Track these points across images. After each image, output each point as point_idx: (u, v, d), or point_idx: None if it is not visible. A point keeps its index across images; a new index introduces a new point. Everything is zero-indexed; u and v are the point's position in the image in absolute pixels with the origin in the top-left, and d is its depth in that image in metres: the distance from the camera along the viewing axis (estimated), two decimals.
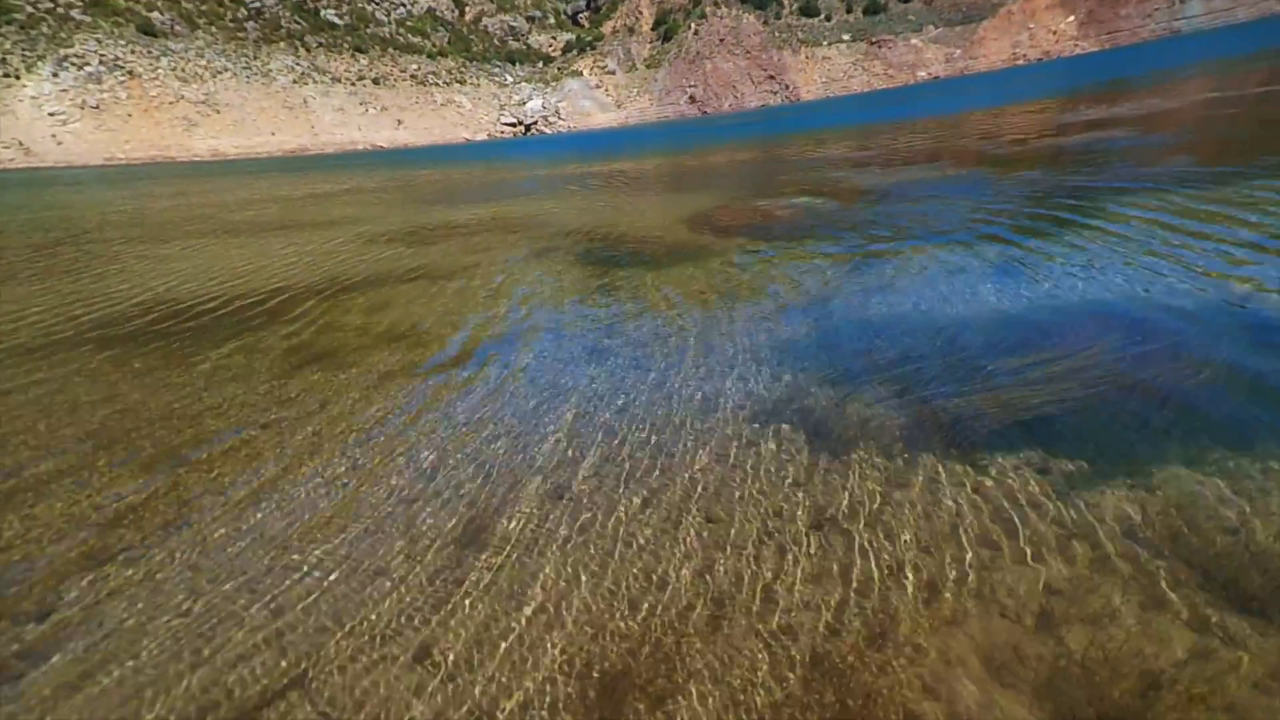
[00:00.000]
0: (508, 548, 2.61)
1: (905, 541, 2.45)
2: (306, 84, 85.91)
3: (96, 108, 67.07)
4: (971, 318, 4.50)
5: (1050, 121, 18.29)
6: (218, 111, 76.78)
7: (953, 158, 13.54)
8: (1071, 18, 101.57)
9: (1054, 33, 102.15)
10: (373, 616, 2.29)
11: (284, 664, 2.12)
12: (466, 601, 2.33)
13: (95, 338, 5.85)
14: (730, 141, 30.64)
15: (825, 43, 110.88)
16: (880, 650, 2.01)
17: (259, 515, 2.94)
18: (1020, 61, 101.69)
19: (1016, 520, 2.51)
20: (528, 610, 2.27)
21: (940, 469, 2.86)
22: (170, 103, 73.73)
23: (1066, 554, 2.32)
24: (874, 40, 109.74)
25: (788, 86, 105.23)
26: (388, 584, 2.45)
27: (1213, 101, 16.19)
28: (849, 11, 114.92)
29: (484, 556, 2.56)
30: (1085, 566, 2.26)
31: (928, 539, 2.46)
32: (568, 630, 2.17)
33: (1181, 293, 4.43)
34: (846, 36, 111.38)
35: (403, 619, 2.27)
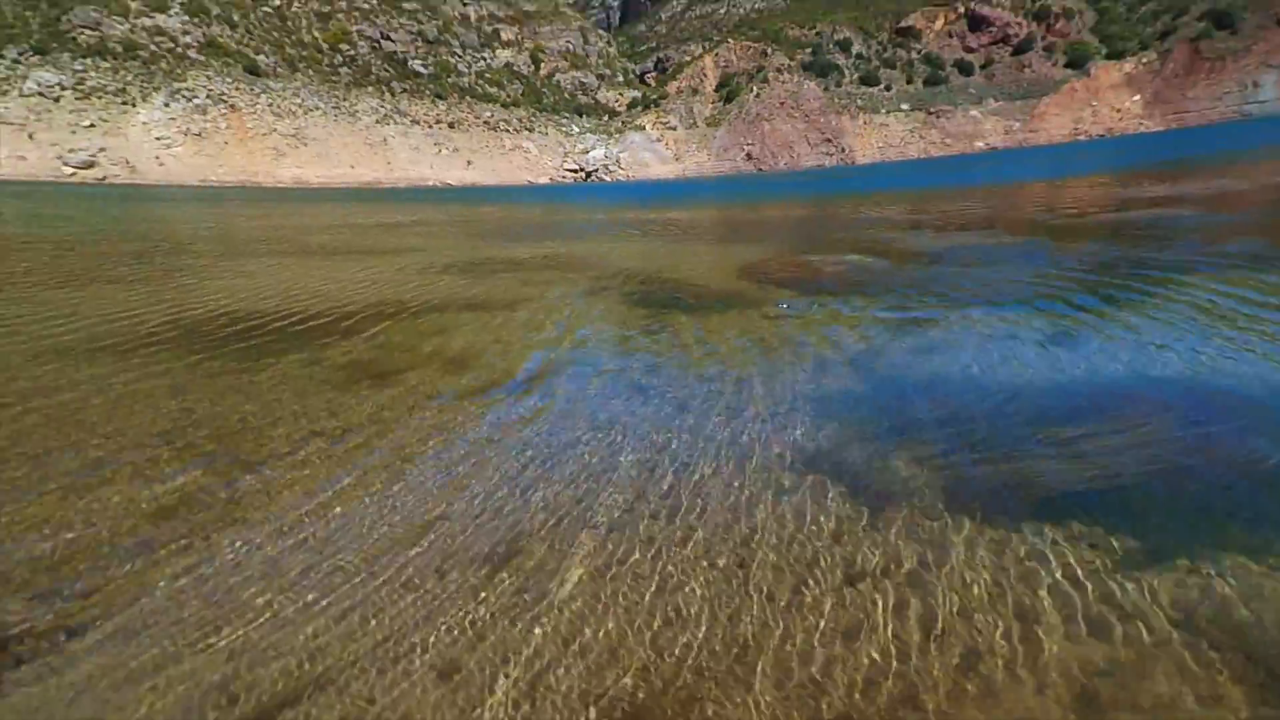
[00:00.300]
0: (539, 574, 2.64)
1: (942, 606, 2.38)
2: (388, 124, 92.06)
3: (199, 135, 73.22)
4: (1021, 385, 4.40)
5: (1110, 196, 17.93)
6: (305, 145, 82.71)
7: (1008, 225, 13.38)
8: (1137, 96, 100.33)
9: (1118, 110, 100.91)
10: (401, 629, 2.35)
11: (310, 667, 2.18)
12: (494, 622, 2.37)
13: (174, 339, 6.28)
14: (784, 198, 31.07)
15: (884, 110, 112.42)
16: (910, 717, 1.94)
17: (303, 519, 3.07)
18: (1081, 137, 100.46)
19: (1063, 595, 2.41)
20: (554, 638, 2.29)
21: (982, 534, 2.78)
22: (264, 134, 79.92)
23: (1117, 635, 2.21)
24: (932, 110, 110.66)
25: (844, 150, 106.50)
26: (419, 598, 2.51)
27: None
28: (909, 82, 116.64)
29: (515, 580, 2.61)
30: (1137, 651, 2.14)
31: (966, 605, 2.37)
32: (590, 662, 2.18)
33: (1247, 377, 4.23)
34: (905, 106, 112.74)
35: (430, 634, 2.32)
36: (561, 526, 2.97)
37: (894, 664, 2.13)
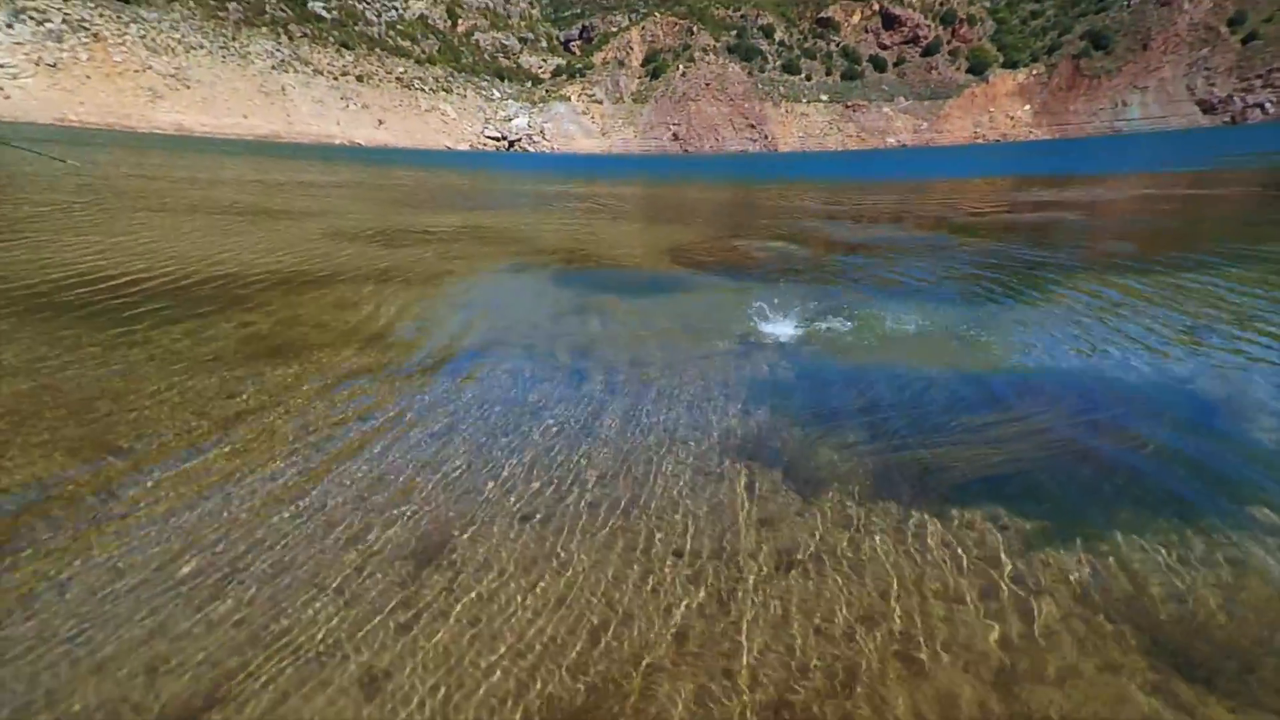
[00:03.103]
0: (466, 569, 2.49)
1: (872, 589, 2.46)
2: (287, 72, 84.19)
3: (54, 66, 63.88)
4: (934, 374, 4.65)
5: (1006, 198, 19.45)
6: (187, 87, 74.24)
7: (916, 220, 14.19)
8: (1028, 106, 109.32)
9: (1011, 118, 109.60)
10: (314, 634, 2.13)
11: (209, 680, 1.94)
12: (419, 623, 2.20)
13: (31, 306, 5.43)
14: (710, 181, 31.39)
15: (805, 100, 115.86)
16: (847, 699, 1.98)
17: (194, 514, 2.74)
18: (980, 140, 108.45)
19: (979, 575, 2.55)
20: (484, 636, 2.16)
21: (907, 518, 2.90)
22: (136, 71, 70.91)
23: (1026, 612, 2.37)
24: (849, 104, 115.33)
25: (767, 136, 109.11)
26: (333, 599, 2.29)
27: (1150, 197, 17.55)
28: (828, 74, 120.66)
29: (440, 576, 2.44)
30: (1045, 625, 2.30)
31: (894, 587, 2.46)
32: (527, 661, 2.07)
33: (1129, 366, 4.69)
34: (824, 97, 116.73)
35: (347, 638, 2.12)
36: (484, 517, 2.82)
37: (827, 649, 2.17)
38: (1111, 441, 3.62)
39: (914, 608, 2.37)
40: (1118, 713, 1.94)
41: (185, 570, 2.39)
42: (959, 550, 2.69)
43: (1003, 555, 2.67)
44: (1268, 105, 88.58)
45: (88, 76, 66.94)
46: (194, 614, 2.18)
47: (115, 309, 5.49)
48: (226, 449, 3.26)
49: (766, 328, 5.67)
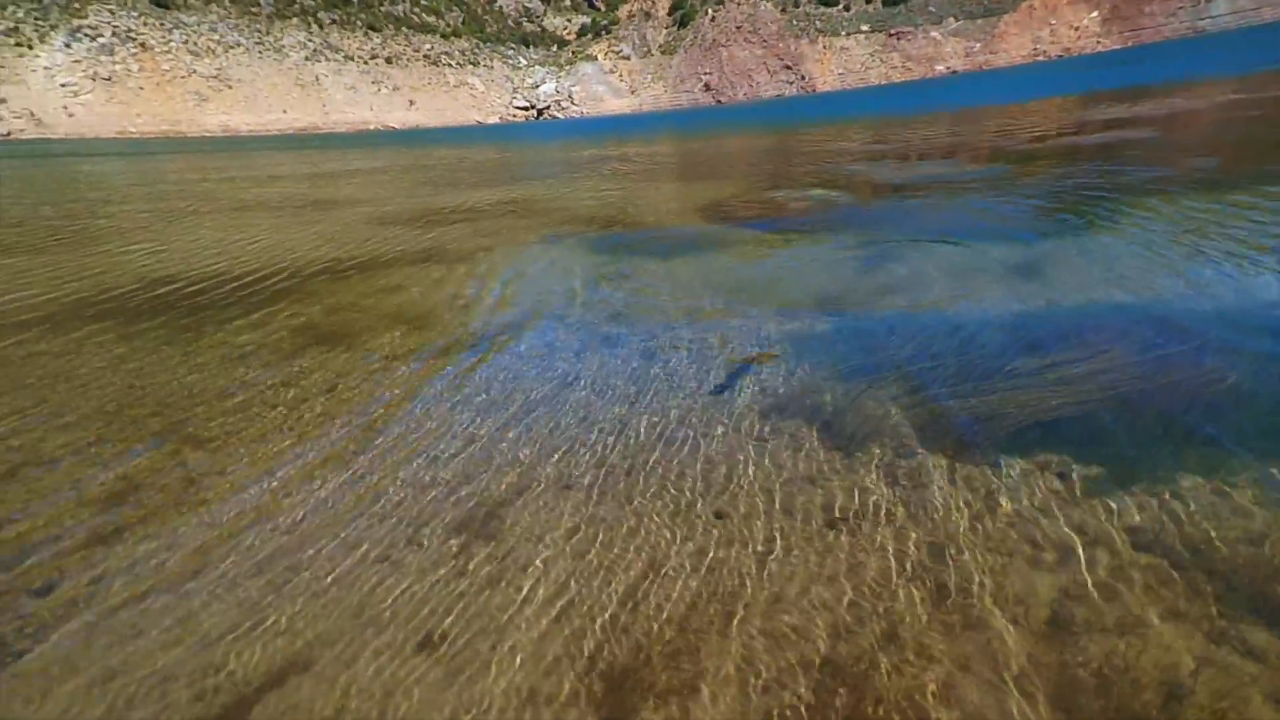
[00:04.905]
0: (514, 537, 2.58)
1: (919, 543, 2.41)
2: (319, 61, 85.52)
3: (109, 79, 66.95)
4: (988, 317, 4.43)
5: (1071, 118, 17.99)
6: (229, 87, 76.59)
7: (969, 153, 13.34)
8: (1095, 13, 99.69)
9: (1076, 29, 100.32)
10: (375, 598, 2.28)
11: (284, 647, 2.10)
12: (471, 590, 2.31)
13: (108, 309, 5.84)
14: (744, 131, 30.35)
15: (843, 33, 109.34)
16: (892, 653, 1.98)
17: (263, 495, 2.93)
18: (1040, 58, 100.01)
19: (1033, 525, 2.47)
20: (534, 601, 2.25)
21: (955, 470, 2.81)
22: (182, 76, 73.55)
23: (1085, 560, 2.28)
24: (893, 32, 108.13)
25: (804, 77, 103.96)
26: (391, 570, 2.43)
27: (1235, 103, 15.87)
28: (868, 2, 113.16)
29: (490, 545, 2.54)
30: (1104, 574, 2.22)
31: (943, 541, 2.41)
32: (575, 623, 2.15)
33: (1204, 296, 4.34)
34: (865, 27, 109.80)
35: (406, 606, 2.25)
36: (536, 487, 2.90)
37: (875, 604, 2.16)
38: (1185, 376, 3.38)
39: (964, 560, 2.32)
40: (1182, 660, 1.87)
41: (256, 543, 2.58)
42: (1012, 499, 2.60)
43: (1060, 503, 2.57)
44: None
45: (140, 88, 69.92)
46: (264, 584, 2.36)
47: (182, 308, 5.84)
48: (288, 433, 3.46)
49: (803, 279, 5.52)
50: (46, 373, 4.42)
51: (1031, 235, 6.32)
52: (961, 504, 2.61)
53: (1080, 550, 2.33)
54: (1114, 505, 2.53)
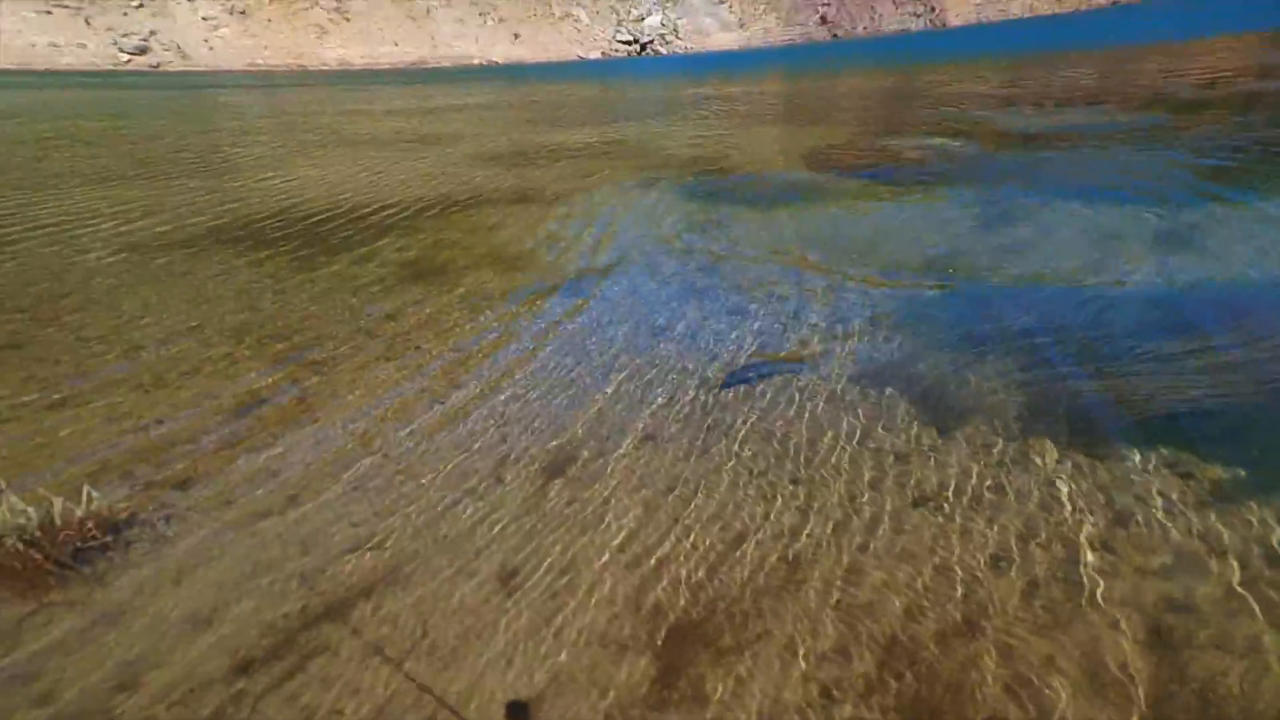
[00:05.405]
0: (594, 482, 2.67)
1: (1012, 532, 2.27)
2: None
3: (243, 13, 71.06)
4: (1125, 290, 3.96)
5: (1252, 60, 15.22)
6: (347, 19, 79.26)
7: (1121, 99, 11.66)
8: None
9: None
10: (460, 530, 2.44)
11: (380, 564, 2.30)
12: (551, 529, 2.43)
13: (236, 237, 6.42)
14: (862, 70, 28.06)
15: None
16: (968, 642, 1.90)
17: (368, 421, 3.19)
18: None
19: (1147, 526, 2.25)
20: (608, 546, 2.33)
21: (1064, 457, 2.60)
22: (305, 8, 76.79)
23: (1204, 571, 2.07)
24: None
25: (933, 8, 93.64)
26: (479, 503, 2.59)
27: None
28: None
29: (569, 488, 2.65)
30: (1225, 588, 2.00)
31: (1039, 532, 2.26)
32: (643, 572, 2.22)
33: None
34: None
35: (491, 538, 2.40)
36: (621, 436, 2.97)
37: (955, 590, 2.08)
38: None
39: (1060, 556, 2.17)
40: None
41: (359, 466, 2.83)
42: (1124, 497, 2.38)
43: (1181, 506, 2.32)
44: None
45: (269, 20, 73.88)
46: (366, 505, 2.60)
47: (306, 237, 6.31)
48: (390, 365, 3.72)
49: (914, 236, 5.14)
50: (193, 292, 4.95)
51: (1188, 197, 5.51)
52: (1066, 495, 2.42)
53: (1200, 559, 2.11)
54: (1244, 514, 2.26)
